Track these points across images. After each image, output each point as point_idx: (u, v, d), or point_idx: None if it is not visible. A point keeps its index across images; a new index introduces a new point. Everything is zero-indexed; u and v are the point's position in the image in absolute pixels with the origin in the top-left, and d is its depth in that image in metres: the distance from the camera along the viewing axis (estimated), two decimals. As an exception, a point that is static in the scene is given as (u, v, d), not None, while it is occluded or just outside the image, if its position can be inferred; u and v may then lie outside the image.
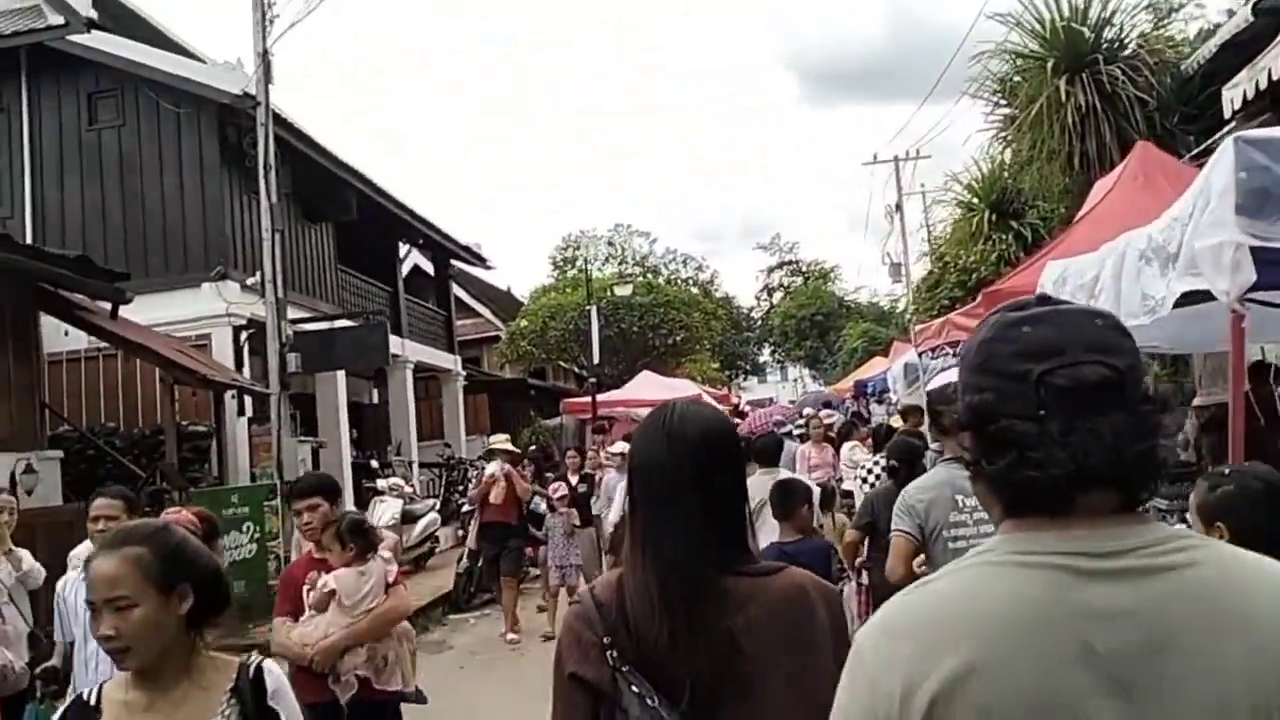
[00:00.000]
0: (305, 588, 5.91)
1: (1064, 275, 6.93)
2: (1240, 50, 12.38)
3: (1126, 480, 1.63)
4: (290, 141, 18.12)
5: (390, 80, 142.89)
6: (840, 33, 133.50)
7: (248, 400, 17.08)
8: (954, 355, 12.87)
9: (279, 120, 17.03)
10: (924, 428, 12.86)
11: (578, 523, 14.03)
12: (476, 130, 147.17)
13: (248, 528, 14.53)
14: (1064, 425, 1.59)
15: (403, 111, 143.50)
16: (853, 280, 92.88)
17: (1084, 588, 1.56)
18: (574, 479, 14.82)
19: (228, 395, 16.46)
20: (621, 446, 14.23)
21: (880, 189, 44.24)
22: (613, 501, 13.49)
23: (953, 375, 13.29)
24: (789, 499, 7.21)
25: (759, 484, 9.00)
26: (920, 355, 13.85)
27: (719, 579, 2.43)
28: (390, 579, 6.04)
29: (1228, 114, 11.37)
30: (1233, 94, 10.96)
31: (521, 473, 14.27)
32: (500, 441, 14.71)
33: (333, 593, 5.81)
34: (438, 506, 20.30)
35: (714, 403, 28.45)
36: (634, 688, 2.35)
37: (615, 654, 2.39)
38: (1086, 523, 1.61)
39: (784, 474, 8.97)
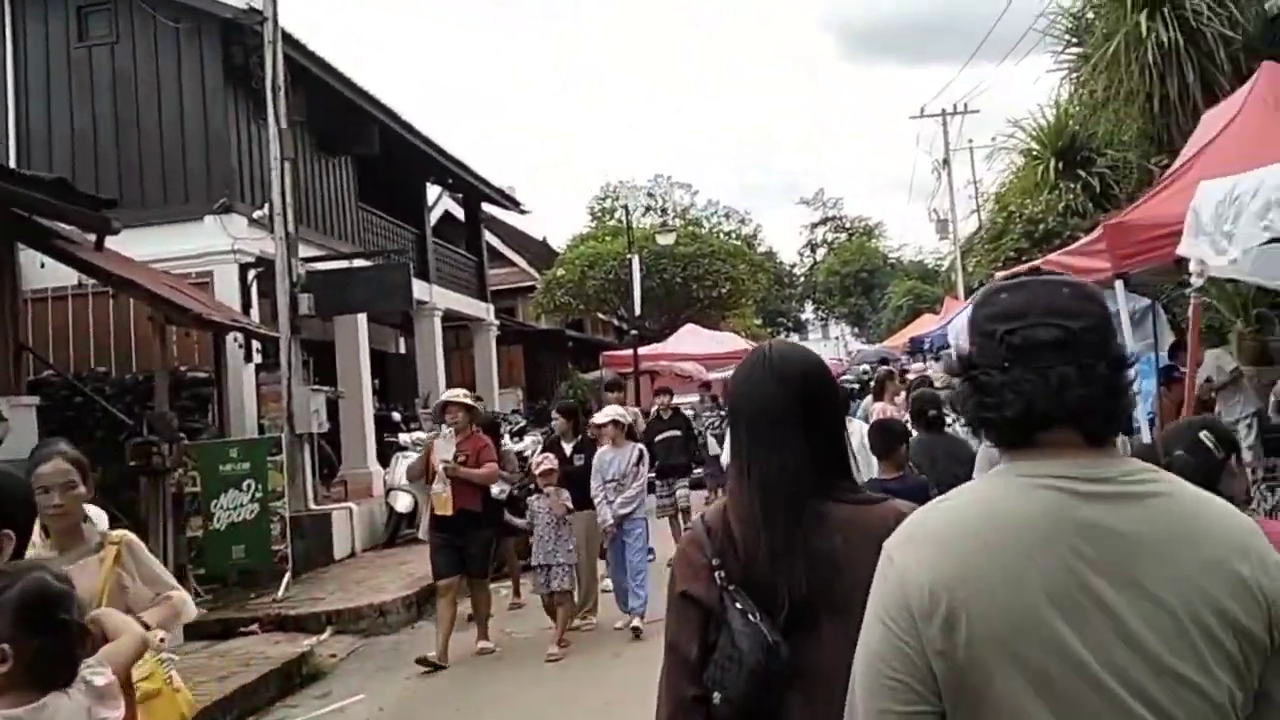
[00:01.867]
0: None
1: (1234, 193, 6.05)
2: None
3: (1079, 420, 1.89)
4: (303, 64, 16.84)
5: (423, 20, 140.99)
6: None
7: (256, 346, 15.80)
8: None
9: (290, 40, 15.80)
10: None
11: (570, 506, 11.06)
12: (513, 78, 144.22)
13: (248, 486, 13.31)
14: (1019, 375, 1.90)
15: (435, 53, 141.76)
16: (897, 238, 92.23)
17: (1081, 506, 1.84)
18: (567, 448, 11.96)
19: (230, 339, 15.21)
20: (613, 411, 12.03)
21: (928, 145, 44.34)
22: (618, 482, 11.24)
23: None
24: (888, 439, 7.54)
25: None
26: None
27: (819, 503, 2.60)
28: None
29: None
30: None
31: (476, 437, 10.99)
32: (457, 395, 11.43)
33: None
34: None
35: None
36: (738, 604, 2.54)
37: (723, 574, 2.59)
38: (1067, 454, 1.89)
39: (855, 424, 9.26)
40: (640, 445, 11.90)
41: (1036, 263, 11.31)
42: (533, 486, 11.53)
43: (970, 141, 42.68)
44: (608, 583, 11.97)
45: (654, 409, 16.06)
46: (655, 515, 13.88)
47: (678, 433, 15.37)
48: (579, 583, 11.36)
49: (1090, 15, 18.65)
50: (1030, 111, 22.77)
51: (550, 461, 11.29)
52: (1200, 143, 9.60)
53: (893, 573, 1.91)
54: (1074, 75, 19.86)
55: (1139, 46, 16.00)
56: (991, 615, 1.79)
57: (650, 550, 12.22)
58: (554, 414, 13.33)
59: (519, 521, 11.97)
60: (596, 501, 11.30)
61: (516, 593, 13.11)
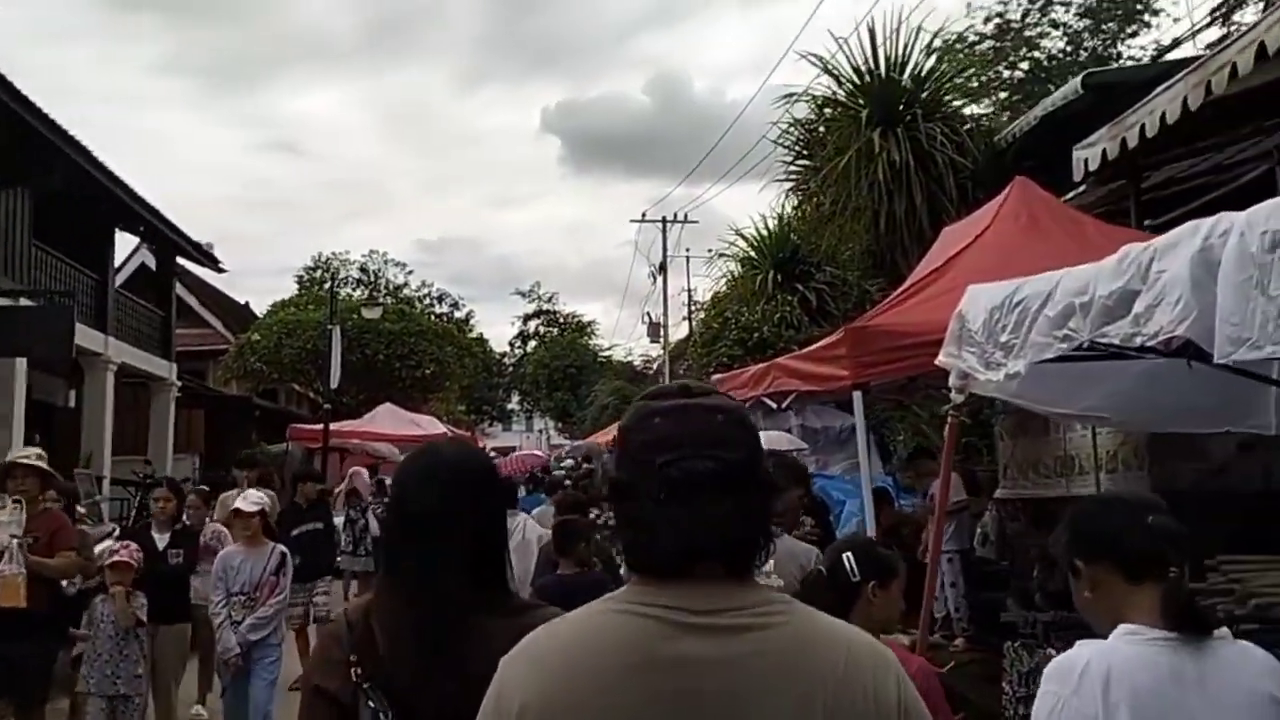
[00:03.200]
0: None
1: (1015, 299, 5.39)
2: (1062, 126, 12.37)
3: (728, 554, 1.88)
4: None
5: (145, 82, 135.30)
6: (605, 106, 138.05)
7: None
8: (779, 409, 11.45)
9: (-39, 47, 14.05)
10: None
11: (143, 617, 8.17)
12: (236, 151, 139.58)
13: None
14: (678, 510, 1.83)
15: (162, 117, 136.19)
16: (608, 337, 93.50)
17: (680, 638, 1.81)
18: (162, 538, 9.15)
19: None
20: (259, 499, 9.05)
21: (646, 250, 46.61)
22: (249, 595, 8.59)
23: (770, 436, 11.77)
24: (570, 537, 7.57)
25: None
26: None
27: (473, 614, 2.52)
28: None
29: (1078, 176, 10.74)
30: (1087, 154, 10.39)
31: (52, 513, 8.33)
32: (26, 456, 8.41)
33: None
34: (116, 532, 16.81)
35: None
36: (370, 703, 2.47)
37: (359, 670, 2.50)
38: (696, 584, 1.85)
39: (522, 518, 9.20)
40: (283, 548, 9.08)
41: (761, 366, 11.06)
42: (100, 584, 8.45)
43: (687, 250, 45.53)
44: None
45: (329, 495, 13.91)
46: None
47: (319, 525, 12.78)
48: None
49: (822, 129, 18.75)
50: (753, 220, 22.90)
51: (128, 553, 8.16)
52: (946, 254, 9.24)
53: (493, 690, 1.91)
54: (802, 188, 20.10)
55: (870, 164, 16.01)
56: None
57: None
58: (156, 492, 9.88)
59: (78, 632, 8.63)
60: (218, 622, 8.52)
61: None
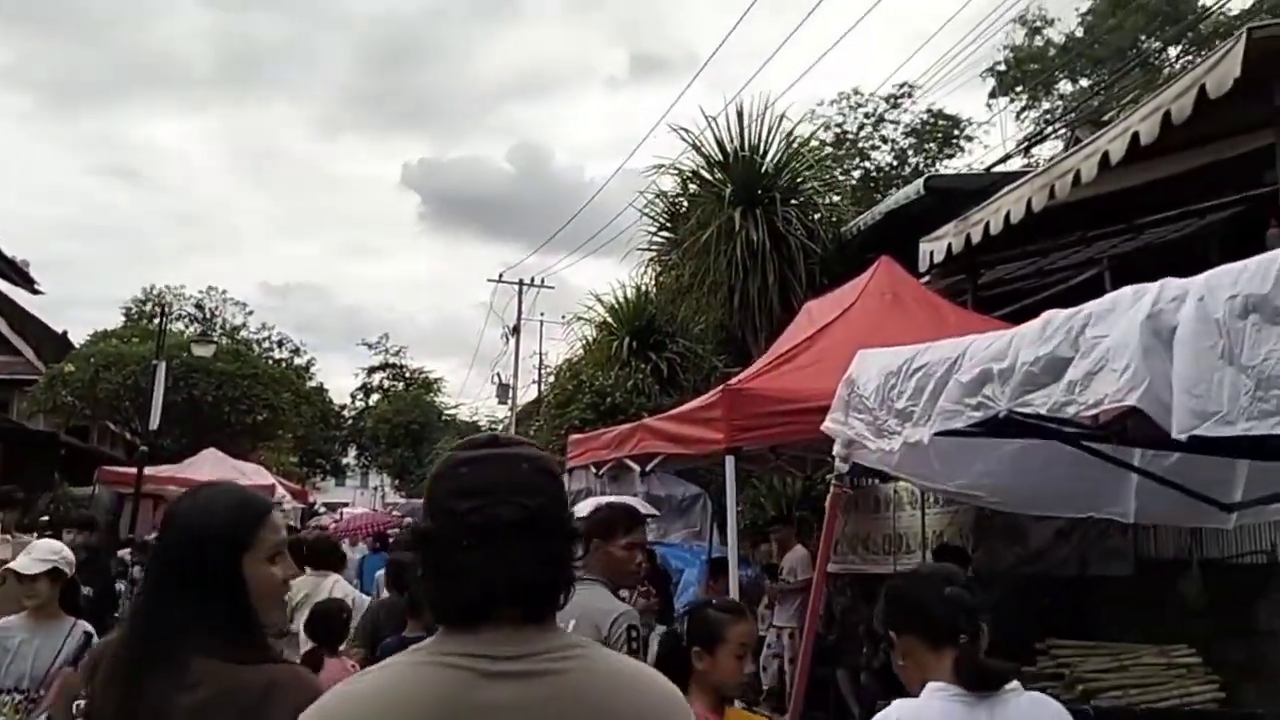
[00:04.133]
0: None
1: (916, 364, 5.20)
2: (903, 222, 13.27)
3: (527, 599, 1.92)
4: None
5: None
6: (468, 168, 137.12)
7: None
8: (644, 472, 11.30)
9: None
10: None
11: None
12: (70, 173, 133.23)
13: None
14: (481, 556, 1.87)
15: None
16: (455, 396, 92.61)
17: (484, 686, 1.85)
18: None
19: None
20: (53, 551, 5.82)
21: (501, 312, 47.03)
22: (27, 694, 5.38)
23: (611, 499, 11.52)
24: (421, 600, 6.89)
25: (306, 584, 8.22)
26: (570, 471, 12.05)
27: (181, 657, 2.49)
28: None
29: (924, 266, 11.47)
30: (934, 246, 11.17)
31: None
32: None
33: None
34: None
35: (291, 497, 25.59)
36: None
37: (79, 705, 2.67)
38: (498, 630, 1.90)
39: (333, 579, 8.64)
40: (87, 627, 5.90)
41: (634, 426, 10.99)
42: None
43: (542, 315, 47.43)
44: None
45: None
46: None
47: (88, 591, 8.75)
48: None
49: (685, 204, 19.65)
50: (611, 287, 23.54)
51: None
52: (813, 325, 9.55)
53: None
54: (663, 258, 20.90)
55: (730, 240, 16.68)
56: None
57: None
58: None
59: None
60: None
61: None
